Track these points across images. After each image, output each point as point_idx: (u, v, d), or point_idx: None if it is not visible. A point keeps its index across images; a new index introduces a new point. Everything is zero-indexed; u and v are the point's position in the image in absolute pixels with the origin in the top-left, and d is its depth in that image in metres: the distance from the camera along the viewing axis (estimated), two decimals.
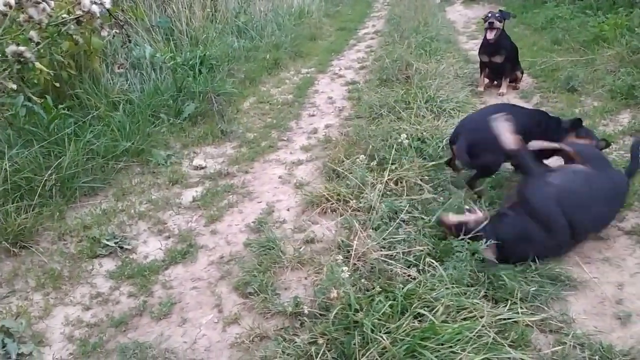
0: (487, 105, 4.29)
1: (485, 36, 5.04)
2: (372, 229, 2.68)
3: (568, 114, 4.17)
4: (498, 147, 2.86)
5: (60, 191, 3.30)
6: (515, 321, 2.03)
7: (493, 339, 1.89)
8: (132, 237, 3.00)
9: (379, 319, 1.98)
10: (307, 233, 2.87)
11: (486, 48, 5.07)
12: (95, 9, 3.55)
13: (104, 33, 4.05)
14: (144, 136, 4.08)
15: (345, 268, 2.11)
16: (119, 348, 2.16)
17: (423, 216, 2.80)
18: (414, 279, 2.26)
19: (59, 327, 2.33)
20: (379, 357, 1.85)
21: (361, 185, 3.08)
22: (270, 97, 5.49)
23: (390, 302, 2.05)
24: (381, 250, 2.48)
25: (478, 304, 2.07)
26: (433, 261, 2.33)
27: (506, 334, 1.96)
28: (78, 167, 3.45)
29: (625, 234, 2.65)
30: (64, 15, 3.62)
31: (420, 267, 2.35)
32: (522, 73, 5.24)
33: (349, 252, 2.50)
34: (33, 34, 3.29)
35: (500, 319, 2.02)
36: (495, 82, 5.27)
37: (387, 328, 1.95)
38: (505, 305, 2.11)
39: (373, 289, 2.16)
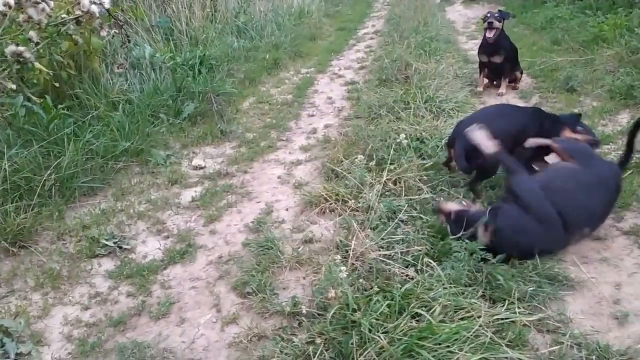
0: (484, 106, 4.28)
1: (484, 36, 5.05)
2: (371, 229, 2.68)
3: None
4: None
5: (60, 191, 3.31)
6: (512, 321, 2.03)
7: (490, 338, 1.89)
8: (131, 237, 3.01)
9: (376, 319, 1.99)
10: (306, 233, 2.87)
11: (485, 48, 5.07)
12: (95, 9, 3.55)
13: (104, 33, 4.06)
14: (143, 136, 4.08)
15: (343, 268, 2.12)
16: (117, 348, 2.16)
17: (422, 216, 2.80)
18: (412, 278, 2.26)
19: (57, 326, 2.34)
20: (377, 356, 1.85)
21: (360, 185, 3.09)
22: (270, 97, 5.49)
23: (388, 302, 2.06)
24: (379, 250, 2.49)
25: (475, 303, 2.08)
26: (431, 261, 2.33)
27: (503, 334, 1.96)
28: (77, 167, 3.45)
29: (624, 234, 2.66)
30: (64, 16, 3.63)
31: (419, 267, 2.36)
32: (522, 73, 5.24)
33: (347, 252, 2.51)
34: (32, 34, 3.30)
35: (498, 318, 2.02)
36: (495, 82, 5.27)
37: (384, 328, 1.96)
38: (503, 305, 2.11)
39: (371, 288, 2.16)
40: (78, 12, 3.56)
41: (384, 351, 1.85)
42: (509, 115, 3.29)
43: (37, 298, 2.52)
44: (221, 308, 2.38)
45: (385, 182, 3.08)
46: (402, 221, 2.78)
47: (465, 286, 2.22)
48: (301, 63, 7.07)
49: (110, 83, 4.66)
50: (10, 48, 3.13)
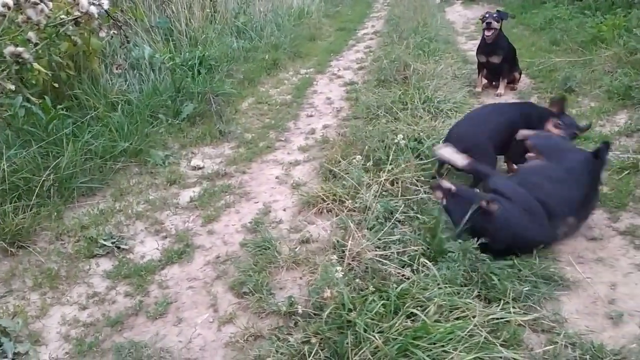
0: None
1: (482, 36, 5.06)
2: (368, 229, 2.70)
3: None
4: (488, 148, 3.08)
5: (58, 191, 3.32)
6: (507, 321, 2.04)
7: (485, 338, 1.90)
8: (129, 237, 3.02)
9: (372, 319, 2.00)
10: (303, 233, 2.88)
11: (484, 48, 5.09)
12: (94, 9, 3.57)
13: (102, 34, 4.08)
14: (142, 136, 4.09)
15: (339, 268, 2.12)
16: (114, 347, 2.17)
17: (418, 216, 2.81)
18: (408, 278, 2.27)
19: (55, 326, 2.35)
20: (372, 356, 1.86)
21: (357, 185, 3.10)
22: (269, 98, 5.51)
23: (383, 302, 2.07)
24: (376, 251, 2.50)
25: (471, 303, 2.09)
26: (427, 261, 2.34)
27: (498, 334, 1.97)
28: (76, 168, 3.46)
29: (620, 234, 2.66)
30: (62, 16, 3.64)
31: (414, 267, 2.37)
32: (520, 74, 5.25)
33: (343, 252, 2.51)
34: (31, 34, 3.31)
35: (493, 318, 2.03)
36: (494, 83, 5.28)
37: (379, 327, 1.97)
38: (498, 305, 2.12)
39: (367, 288, 2.17)
40: (77, 13, 3.57)
41: (378, 351, 1.86)
42: (498, 113, 3.40)
43: (35, 298, 2.54)
44: (218, 308, 2.39)
45: (382, 182, 3.09)
46: (398, 221, 2.80)
47: (461, 286, 2.23)
48: (300, 63, 7.08)
49: (109, 83, 4.68)
50: (9, 49, 3.14)
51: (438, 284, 2.18)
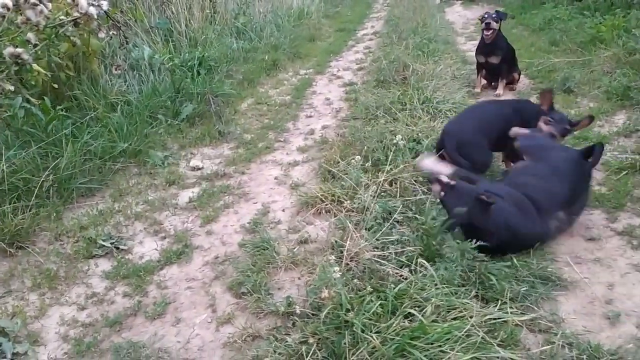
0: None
1: (482, 37, 5.07)
2: (366, 229, 2.70)
3: None
4: (483, 144, 3.16)
5: (58, 192, 3.32)
6: (504, 321, 2.04)
7: (482, 338, 1.90)
8: (128, 237, 3.03)
9: (369, 319, 2.00)
10: (302, 233, 2.89)
11: (483, 49, 5.10)
12: (93, 10, 3.58)
13: (102, 35, 4.09)
14: (141, 137, 4.10)
15: (336, 268, 2.12)
16: (113, 347, 2.18)
17: (417, 216, 2.81)
18: (406, 279, 2.27)
19: (54, 326, 2.36)
20: (369, 356, 1.86)
21: (355, 186, 3.10)
22: (268, 98, 5.51)
23: (381, 302, 2.07)
24: (374, 251, 2.50)
25: (468, 303, 2.09)
26: (424, 262, 2.34)
27: (495, 334, 1.97)
28: (75, 168, 3.47)
29: (617, 234, 2.66)
30: (62, 17, 3.64)
31: (412, 268, 2.37)
32: (520, 74, 5.26)
33: (342, 252, 2.52)
34: (31, 35, 3.32)
35: (490, 318, 2.03)
36: (493, 84, 5.28)
37: (377, 328, 1.97)
38: (496, 305, 2.12)
39: (365, 289, 2.17)
40: (76, 14, 3.58)
41: (376, 351, 1.87)
42: (493, 109, 3.46)
43: (34, 298, 2.54)
44: (216, 308, 2.40)
45: (381, 182, 3.10)
46: (397, 222, 2.80)
47: (459, 286, 2.23)
48: (300, 64, 7.09)
49: (109, 84, 4.68)
50: (9, 50, 3.15)
51: (435, 284, 2.18)
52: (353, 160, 3.25)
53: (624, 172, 3.17)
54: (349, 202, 3.02)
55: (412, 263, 2.40)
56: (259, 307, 2.33)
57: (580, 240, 2.64)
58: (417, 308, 2.06)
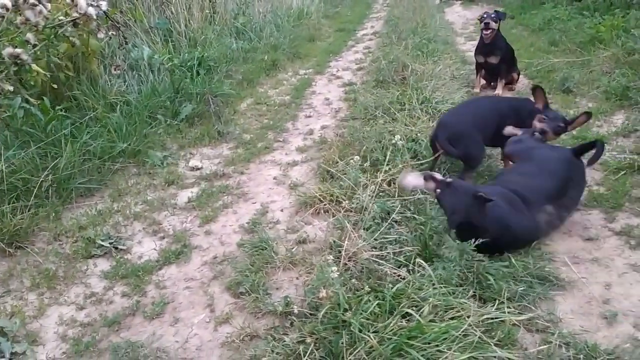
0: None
1: (481, 36, 5.08)
2: (364, 229, 2.70)
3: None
4: (476, 137, 3.19)
5: (57, 192, 3.33)
6: (502, 320, 2.05)
7: (479, 338, 1.91)
8: (127, 237, 3.03)
9: (367, 319, 2.01)
10: (300, 233, 2.89)
11: (482, 49, 5.10)
12: (92, 11, 3.58)
13: (101, 35, 4.09)
14: (140, 137, 4.11)
15: (334, 268, 2.13)
16: (111, 347, 2.18)
17: (415, 216, 2.82)
18: (404, 278, 2.28)
19: (52, 326, 2.36)
20: (366, 356, 1.87)
21: (354, 186, 3.10)
22: (268, 98, 5.52)
23: (378, 302, 2.08)
24: (372, 251, 2.51)
25: (466, 303, 2.09)
26: (422, 262, 2.34)
27: (493, 333, 1.97)
28: (74, 168, 3.47)
29: (615, 234, 2.67)
30: (61, 18, 3.65)
31: (410, 267, 2.37)
32: (519, 74, 5.26)
33: (340, 252, 2.52)
34: (30, 36, 3.33)
35: (487, 318, 2.03)
36: (492, 84, 5.28)
37: (375, 327, 1.97)
38: (493, 305, 2.12)
39: (363, 288, 2.18)
40: (75, 14, 3.58)
41: (373, 350, 1.87)
42: (490, 105, 3.49)
43: (33, 298, 2.55)
44: (215, 308, 2.40)
45: (379, 182, 3.10)
46: (395, 222, 2.80)
47: (456, 286, 2.23)
48: (299, 64, 7.10)
49: (108, 84, 4.69)
50: (8, 50, 3.16)
51: (433, 284, 2.19)
52: (352, 161, 3.26)
53: (622, 172, 3.18)
54: (347, 202, 3.03)
55: (410, 263, 2.40)
56: (257, 306, 2.33)
57: (578, 240, 2.65)
58: (414, 308, 2.06)
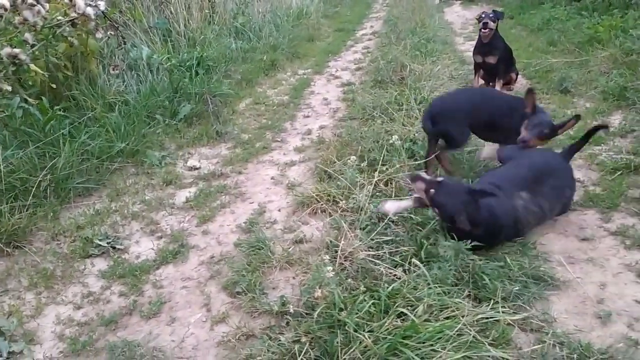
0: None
1: (479, 36, 5.08)
2: (360, 229, 2.71)
3: (560, 115, 4.20)
4: (460, 119, 3.23)
5: (55, 192, 3.34)
6: (496, 320, 2.06)
7: (474, 337, 1.92)
8: (124, 237, 3.04)
9: (362, 318, 2.02)
10: (297, 233, 2.90)
11: (480, 48, 5.10)
12: (90, 11, 3.60)
13: (99, 35, 4.10)
14: (139, 137, 4.12)
15: (330, 268, 2.14)
16: (108, 346, 2.19)
17: (412, 216, 2.82)
18: (399, 278, 2.29)
19: (50, 325, 2.37)
20: (361, 355, 1.88)
21: (351, 186, 3.11)
22: (266, 98, 5.53)
23: (373, 302, 2.09)
24: (368, 251, 2.52)
25: (460, 303, 2.10)
26: (417, 262, 2.35)
27: (487, 333, 1.99)
28: (73, 168, 3.48)
29: (611, 234, 2.68)
30: (59, 18, 3.66)
31: (406, 267, 2.38)
32: (517, 74, 5.26)
33: (336, 252, 2.53)
34: (28, 36, 3.35)
35: (482, 318, 2.04)
36: (490, 84, 5.28)
37: (370, 327, 1.98)
38: (488, 305, 2.13)
39: (358, 288, 2.19)
40: (73, 14, 3.60)
41: (368, 350, 1.88)
42: (485, 96, 3.50)
43: (31, 297, 2.56)
44: (211, 307, 2.41)
45: (376, 182, 3.11)
46: (392, 222, 2.80)
47: (452, 286, 2.24)
48: (298, 64, 7.10)
49: (107, 84, 4.70)
50: (6, 50, 3.18)
51: (428, 284, 2.20)
52: (349, 160, 3.26)
53: (619, 172, 3.18)
54: (344, 202, 3.04)
55: (405, 263, 2.41)
56: (254, 306, 2.34)
57: (574, 240, 2.66)
58: (409, 307, 2.07)
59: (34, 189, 3.18)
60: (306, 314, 2.20)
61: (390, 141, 3.36)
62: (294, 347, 2.00)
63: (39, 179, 3.23)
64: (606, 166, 3.29)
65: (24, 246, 2.92)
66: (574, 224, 2.78)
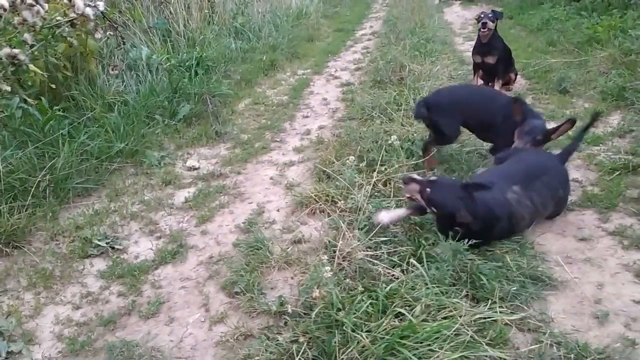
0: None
1: (478, 36, 5.09)
2: (358, 229, 2.71)
3: (559, 116, 4.21)
4: (455, 117, 3.28)
5: (54, 192, 3.35)
6: (494, 320, 2.06)
7: (471, 337, 1.92)
8: (123, 237, 3.04)
9: (360, 318, 2.03)
10: (295, 233, 2.90)
11: (479, 48, 5.11)
12: (89, 11, 3.61)
13: (98, 35, 4.11)
14: (138, 137, 4.12)
15: (327, 268, 2.14)
16: (106, 346, 2.20)
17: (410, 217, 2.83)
18: (397, 278, 2.29)
19: (48, 325, 2.37)
20: (359, 355, 1.88)
21: (349, 186, 3.12)
22: (266, 99, 5.53)
23: (371, 302, 2.09)
24: (366, 251, 2.52)
25: (458, 303, 2.11)
26: (415, 262, 2.36)
27: (485, 333, 1.99)
28: (72, 168, 3.49)
29: (609, 234, 2.68)
30: (58, 18, 3.67)
31: (404, 267, 2.39)
32: (516, 74, 5.26)
33: (334, 252, 2.53)
34: (27, 36, 3.35)
35: (480, 318, 2.05)
36: (490, 84, 5.29)
37: (367, 327, 1.99)
38: (486, 305, 2.14)
39: (356, 288, 2.19)
40: (73, 15, 3.60)
41: (366, 350, 1.89)
42: (485, 96, 3.50)
43: (30, 297, 2.56)
44: (210, 307, 2.42)
45: (374, 183, 3.11)
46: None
47: (450, 286, 2.25)
48: (298, 64, 7.11)
49: (106, 84, 4.71)
50: (5, 50, 3.18)
51: (426, 284, 2.20)
52: (348, 161, 3.27)
53: (617, 173, 3.19)
54: (342, 202, 3.04)
55: (403, 263, 2.41)
56: (252, 306, 2.35)
57: (572, 240, 2.66)
58: (407, 307, 2.08)
59: (33, 189, 3.18)
60: (304, 314, 2.20)
61: (389, 141, 3.36)
62: (292, 347, 2.01)
63: (38, 179, 3.24)
64: (604, 166, 3.29)
65: (23, 246, 2.92)
66: (572, 224, 2.79)
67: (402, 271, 2.37)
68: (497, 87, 5.05)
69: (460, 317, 2.00)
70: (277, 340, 2.07)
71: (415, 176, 2.62)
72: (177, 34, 6.49)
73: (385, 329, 1.96)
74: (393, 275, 2.35)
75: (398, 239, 2.64)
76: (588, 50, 5.58)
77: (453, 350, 1.85)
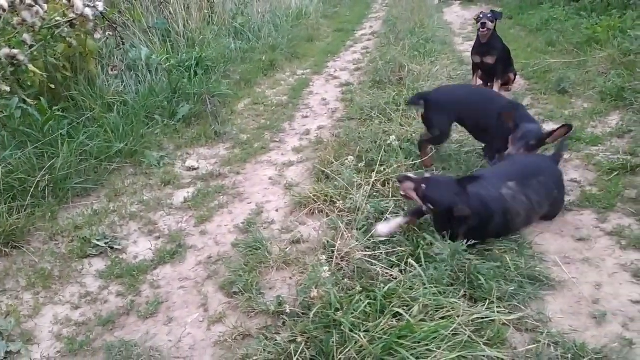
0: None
1: (477, 36, 5.09)
2: (357, 229, 2.72)
3: (557, 116, 4.22)
4: (449, 112, 3.35)
5: (53, 192, 3.35)
6: (492, 320, 2.07)
7: (469, 337, 1.93)
8: (122, 237, 3.05)
9: (358, 318, 2.03)
10: (294, 234, 2.91)
11: (478, 49, 5.11)
12: (88, 11, 3.61)
13: (98, 35, 4.11)
14: (137, 137, 4.13)
15: (325, 268, 2.15)
16: (105, 346, 2.20)
17: None
18: (395, 278, 2.30)
19: (47, 325, 2.38)
20: (357, 355, 1.89)
21: (348, 186, 3.12)
22: (265, 99, 5.54)
23: (369, 302, 2.10)
24: (365, 251, 2.52)
25: (456, 303, 2.11)
26: (413, 262, 2.36)
27: (482, 333, 2.00)
28: (71, 168, 3.50)
29: (607, 234, 2.69)
30: (58, 18, 3.67)
31: (402, 267, 2.39)
32: (515, 75, 5.26)
33: (333, 252, 2.54)
34: (26, 36, 3.36)
35: (477, 317, 2.06)
36: (489, 84, 5.29)
37: (365, 327, 2.00)
38: (483, 305, 2.14)
39: (354, 288, 2.20)
40: (72, 15, 3.60)
41: (363, 349, 1.89)
42: (484, 97, 3.50)
43: (28, 297, 2.57)
44: (208, 307, 2.42)
45: (373, 183, 3.11)
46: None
47: (448, 286, 2.25)
48: (297, 64, 7.11)
49: (106, 85, 4.71)
50: (4, 51, 3.19)
51: (424, 284, 2.21)
52: (346, 161, 3.27)
53: (615, 173, 3.19)
54: (341, 202, 3.05)
55: (402, 263, 2.42)
56: (250, 306, 2.36)
57: (570, 240, 2.67)
58: (405, 307, 2.08)
59: (32, 189, 3.19)
60: (302, 314, 2.21)
61: (388, 141, 3.36)
62: (290, 347, 2.01)
63: (38, 179, 3.24)
64: (603, 166, 3.30)
65: (22, 246, 2.93)
66: (570, 224, 2.79)
67: (400, 271, 2.37)
68: (496, 87, 5.05)
69: (458, 317, 2.01)
70: (275, 340, 2.08)
71: (411, 175, 2.64)
72: (177, 34, 6.49)
73: (383, 328, 1.97)
74: (391, 275, 2.35)
75: (396, 239, 2.64)
76: (587, 51, 5.58)
77: (451, 350, 1.85)
